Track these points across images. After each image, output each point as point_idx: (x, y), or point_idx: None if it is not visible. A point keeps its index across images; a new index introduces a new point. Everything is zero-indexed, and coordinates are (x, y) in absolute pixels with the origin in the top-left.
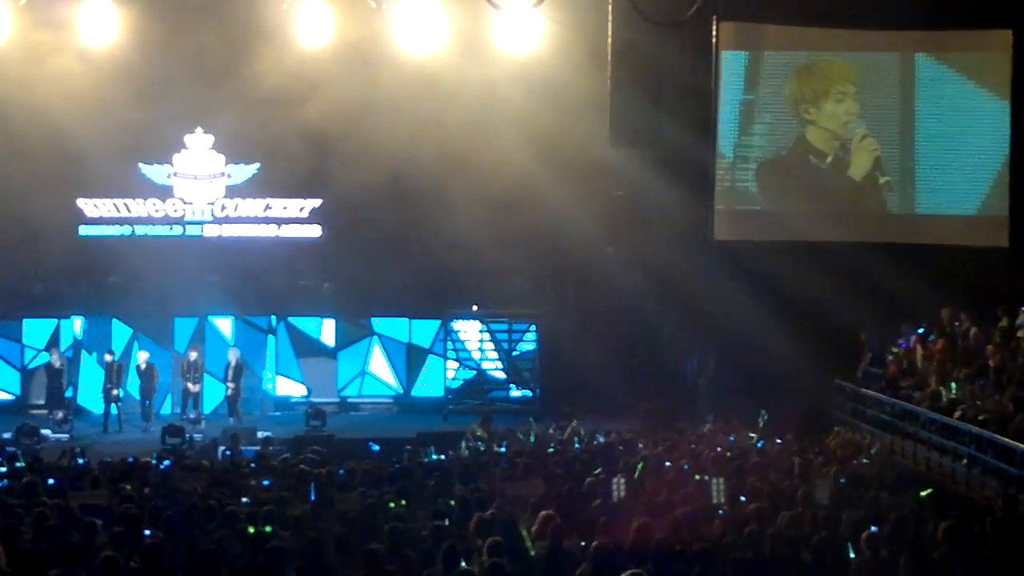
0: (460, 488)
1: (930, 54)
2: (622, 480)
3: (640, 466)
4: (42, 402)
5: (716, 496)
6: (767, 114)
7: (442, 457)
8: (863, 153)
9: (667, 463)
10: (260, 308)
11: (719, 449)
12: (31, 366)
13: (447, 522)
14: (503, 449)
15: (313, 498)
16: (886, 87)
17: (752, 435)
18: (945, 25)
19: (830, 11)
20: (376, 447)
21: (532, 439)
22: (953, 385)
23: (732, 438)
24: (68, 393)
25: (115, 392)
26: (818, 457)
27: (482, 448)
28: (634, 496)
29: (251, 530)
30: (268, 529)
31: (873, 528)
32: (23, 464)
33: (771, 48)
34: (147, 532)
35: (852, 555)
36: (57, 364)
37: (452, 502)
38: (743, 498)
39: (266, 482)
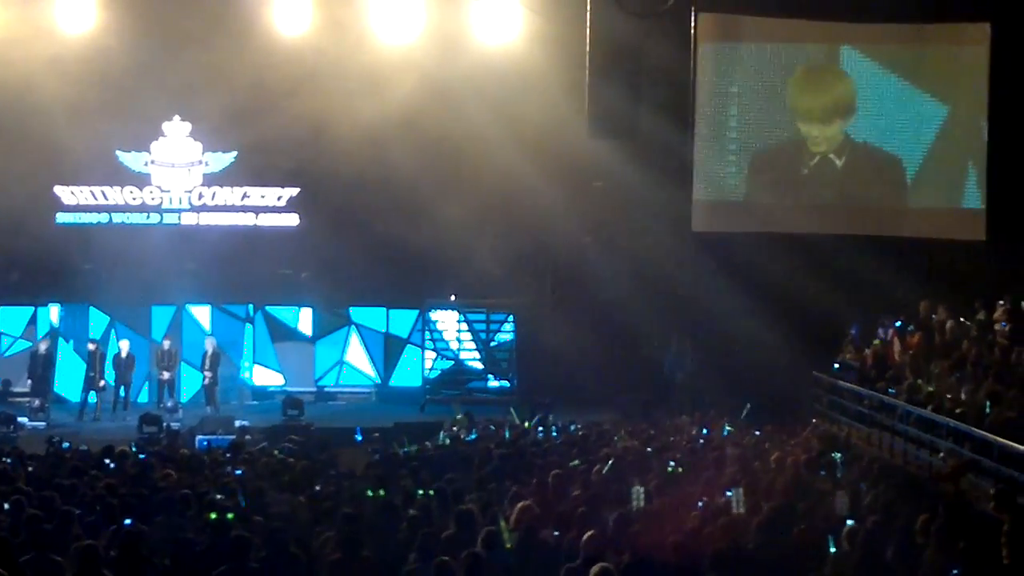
0: (442, 480)
1: (907, 47)
2: (641, 490)
3: (611, 463)
4: (25, 389)
5: (736, 507)
6: (748, 106)
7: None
8: (847, 147)
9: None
10: (237, 297)
11: (700, 441)
12: (7, 354)
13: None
14: (472, 435)
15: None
16: (871, 80)
17: (728, 427)
18: (922, 19)
19: (808, 3)
20: (360, 437)
21: (507, 434)
22: (935, 374)
23: (706, 430)
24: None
25: (100, 382)
26: (794, 449)
27: (456, 430)
28: (651, 506)
29: (213, 516)
30: (230, 516)
31: (850, 522)
32: None
33: (750, 40)
34: (128, 521)
35: (832, 549)
36: (44, 352)
37: (431, 492)
38: (729, 492)
39: (238, 471)
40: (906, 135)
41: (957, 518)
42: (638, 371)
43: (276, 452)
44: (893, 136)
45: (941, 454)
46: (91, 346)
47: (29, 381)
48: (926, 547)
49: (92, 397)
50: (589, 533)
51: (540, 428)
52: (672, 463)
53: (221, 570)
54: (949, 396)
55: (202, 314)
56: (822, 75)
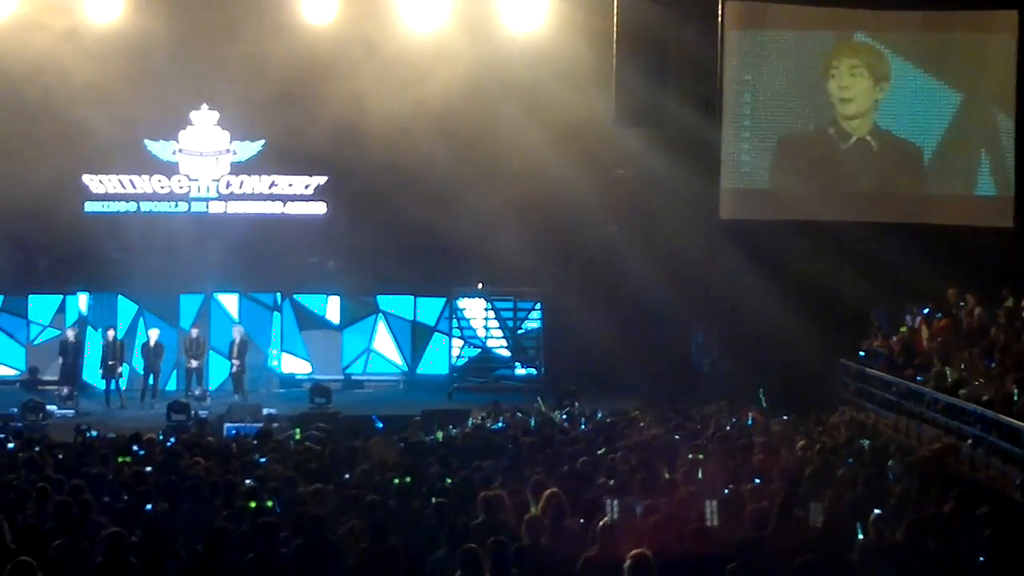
0: (470, 468)
1: (935, 33)
2: (615, 502)
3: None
4: (55, 378)
5: (710, 518)
6: (775, 93)
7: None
8: (871, 133)
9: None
10: (265, 285)
11: (727, 428)
12: (36, 342)
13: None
14: (499, 425)
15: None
16: (893, 67)
17: (752, 415)
18: (950, 5)
19: None
20: (380, 424)
21: (532, 423)
22: (962, 360)
23: (735, 419)
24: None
25: (118, 369)
26: (822, 436)
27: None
28: (628, 516)
29: (252, 504)
30: (270, 504)
31: (877, 510)
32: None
33: (777, 27)
34: (148, 507)
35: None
36: (74, 340)
37: (452, 480)
38: (758, 480)
39: (263, 459)
40: (923, 122)
41: (984, 506)
42: (665, 359)
43: (293, 441)
44: (912, 124)
45: (969, 441)
46: (110, 334)
47: (61, 361)
48: (952, 534)
49: (113, 384)
50: (603, 521)
51: (564, 416)
52: (693, 453)
53: (250, 556)
54: (977, 383)
55: (230, 302)
56: (864, 48)
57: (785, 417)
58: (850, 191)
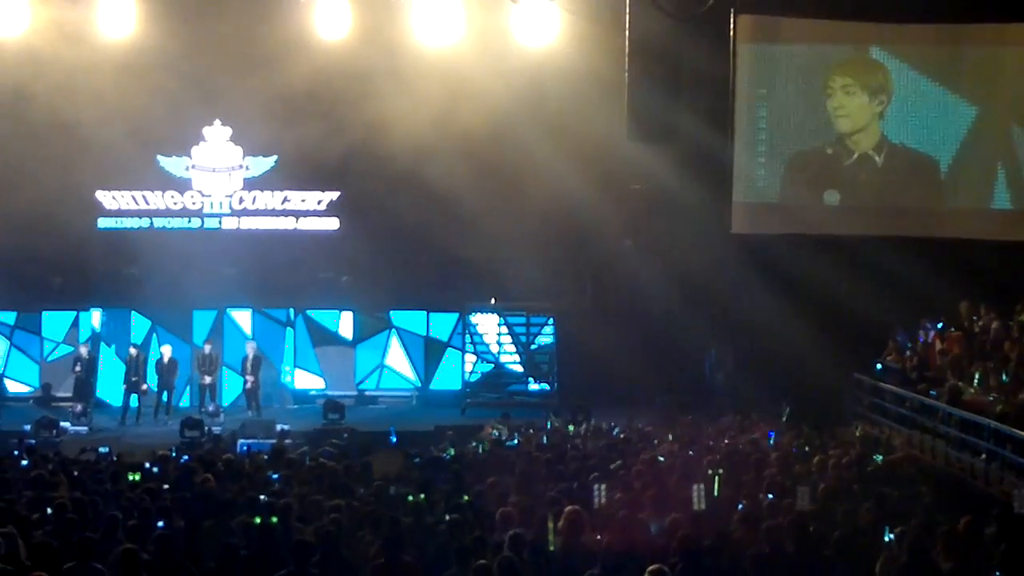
0: (484, 484)
1: (948, 47)
2: (603, 487)
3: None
4: (69, 394)
5: (697, 502)
6: (787, 107)
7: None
8: (884, 146)
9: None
10: (278, 301)
11: (740, 446)
12: (50, 359)
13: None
14: (514, 442)
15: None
16: (906, 80)
17: (771, 430)
18: (963, 18)
19: (849, 4)
20: (395, 438)
21: (545, 439)
22: (976, 375)
23: (752, 436)
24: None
25: (143, 385)
26: (836, 450)
27: (497, 436)
28: (614, 502)
29: (257, 520)
30: (274, 520)
31: (891, 533)
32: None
33: (789, 42)
34: (160, 523)
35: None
36: (87, 356)
37: (466, 497)
38: (771, 495)
39: (275, 475)
40: (939, 136)
41: (999, 521)
42: (678, 374)
43: (308, 459)
44: (927, 137)
45: (982, 456)
46: (133, 351)
47: (74, 377)
48: (968, 549)
49: (134, 401)
50: (606, 540)
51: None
52: (708, 469)
53: (283, 573)
54: (991, 397)
55: (243, 318)
56: (856, 63)
57: (796, 433)
58: (863, 205)
